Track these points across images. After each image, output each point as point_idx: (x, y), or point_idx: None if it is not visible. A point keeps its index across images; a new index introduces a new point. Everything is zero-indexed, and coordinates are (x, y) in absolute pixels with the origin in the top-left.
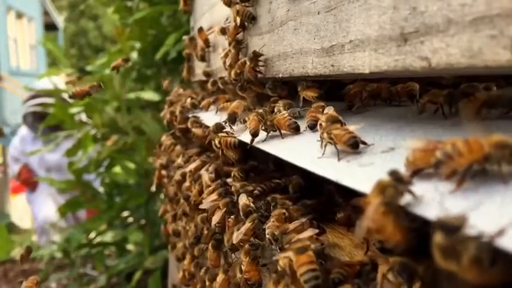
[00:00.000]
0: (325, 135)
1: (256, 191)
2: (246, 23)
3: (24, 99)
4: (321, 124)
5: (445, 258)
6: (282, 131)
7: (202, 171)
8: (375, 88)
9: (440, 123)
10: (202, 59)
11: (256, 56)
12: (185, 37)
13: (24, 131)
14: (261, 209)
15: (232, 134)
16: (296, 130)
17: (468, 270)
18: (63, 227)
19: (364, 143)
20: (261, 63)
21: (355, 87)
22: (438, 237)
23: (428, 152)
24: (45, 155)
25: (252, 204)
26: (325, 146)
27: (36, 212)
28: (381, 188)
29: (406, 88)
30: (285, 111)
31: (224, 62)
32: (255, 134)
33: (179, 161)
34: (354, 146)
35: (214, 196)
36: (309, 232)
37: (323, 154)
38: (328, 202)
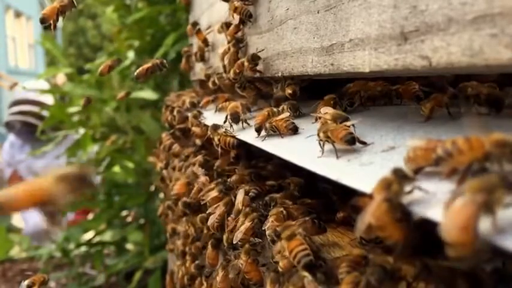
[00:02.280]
0: (321, 134)
1: (251, 193)
2: (244, 21)
3: (8, 105)
4: (322, 123)
5: (479, 190)
6: (281, 132)
7: (199, 173)
8: (373, 87)
9: (440, 122)
10: (202, 58)
11: (254, 59)
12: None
13: (12, 137)
14: (260, 209)
15: (231, 133)
16: (294, 131)
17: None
18: (56, 232)
19: (362, 142)
20: (259, 66)
21: (354, 87)
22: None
23: (429, 150)
24: (33, 161)
25: (244, 209)
26: (323, 145)
27: (26, 218)
28: (385, 183)
29: (409, 89)
30: (287, 112)
31: (222, 60)
32: (258, 130)
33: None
34: (351, 142)
35: (215, 193)
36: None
37: (323, 153)
38: (326, 201)
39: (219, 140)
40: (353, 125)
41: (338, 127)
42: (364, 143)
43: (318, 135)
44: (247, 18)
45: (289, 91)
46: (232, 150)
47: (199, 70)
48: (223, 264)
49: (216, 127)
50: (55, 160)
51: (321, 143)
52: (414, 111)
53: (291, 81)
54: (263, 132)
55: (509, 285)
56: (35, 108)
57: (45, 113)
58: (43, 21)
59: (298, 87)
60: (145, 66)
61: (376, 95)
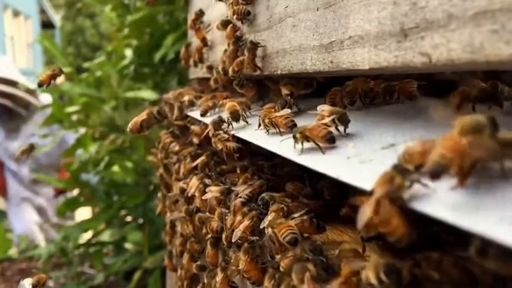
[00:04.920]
0: (297, 135)
1: (242, 199)
2: (242, 20)
3: None
4: (319, 119)
5: None
6: (280, 129)
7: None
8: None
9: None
10: (200, 60)
11: (254, 45)
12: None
13: None
14: (260, 207)
15: (231, 135)
16: (292, 129)
17: None
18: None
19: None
20: (258, 63)
21: (353, 85)
22: None
23: (424, 152)
24: (8, 143)
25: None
26: (302, 143)
27: (13, 222)
28: (387, 178)
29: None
30: (287, 109)
31: (222, 60)
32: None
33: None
34: (331, 141)
35: (216, 193)
36: None
37: (302, 152)
38: (324, 200)
39: (223, 147)
40: (333, 120)
41: (315, 126)
42: (347, 134)
43: (294, 136)
44: (244, 16)
45: (286, 92)
46: (234, 153)
47: (198, 68)
48: (223, 265)
49: (215, 124)
50: (30, 139)
51: (299, 141)
52: (414, 109)
53: (287, 81)
54: (262, 129)
55: (506, 284)
56: None
57: (8, 89)
58: (40, 84)
59: (298, 86)
60: (139, 119)
61: (376, 93)
